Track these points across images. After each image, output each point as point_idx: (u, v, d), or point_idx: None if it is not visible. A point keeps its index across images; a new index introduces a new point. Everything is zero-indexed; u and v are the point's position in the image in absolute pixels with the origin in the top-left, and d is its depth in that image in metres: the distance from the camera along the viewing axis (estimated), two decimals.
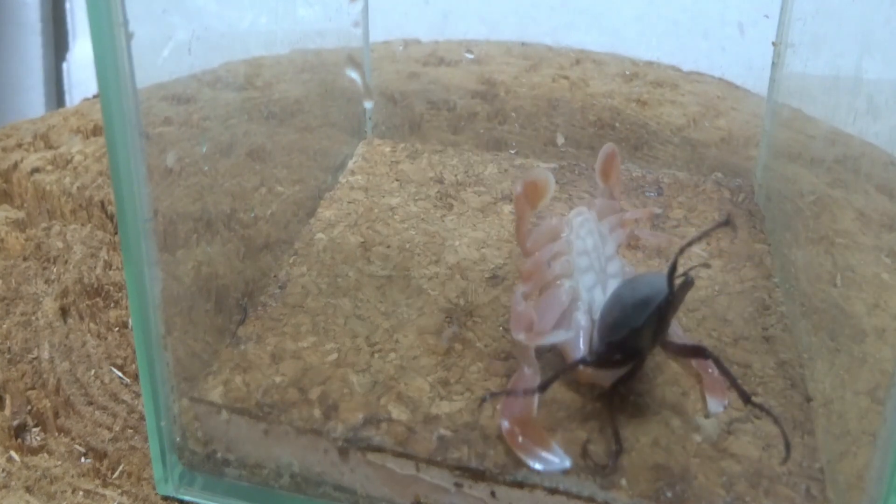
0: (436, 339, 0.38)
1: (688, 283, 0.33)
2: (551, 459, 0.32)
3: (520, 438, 0.32)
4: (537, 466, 0.32)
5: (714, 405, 0.35)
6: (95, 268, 0.50)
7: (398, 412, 0.34)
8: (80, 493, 0.36)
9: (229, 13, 0.40)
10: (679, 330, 0.39)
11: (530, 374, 0.34)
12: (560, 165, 0.55)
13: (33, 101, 1.11)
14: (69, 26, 1.12)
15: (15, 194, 0.57)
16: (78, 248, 0.51)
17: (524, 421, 0.33)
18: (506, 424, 0.32)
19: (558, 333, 0.35)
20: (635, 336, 0.33)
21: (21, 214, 0.55)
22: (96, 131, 0.65)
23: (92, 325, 0.45)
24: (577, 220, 0.41)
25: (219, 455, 0.35)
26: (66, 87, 1.13)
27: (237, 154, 0.42)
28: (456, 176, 0.53)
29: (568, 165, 0.55)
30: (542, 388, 0.33)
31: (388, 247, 0.45)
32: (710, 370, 0.36)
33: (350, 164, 0.55)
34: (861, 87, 0.39)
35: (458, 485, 0.33)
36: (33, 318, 0.45)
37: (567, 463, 0.32)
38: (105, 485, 0.36)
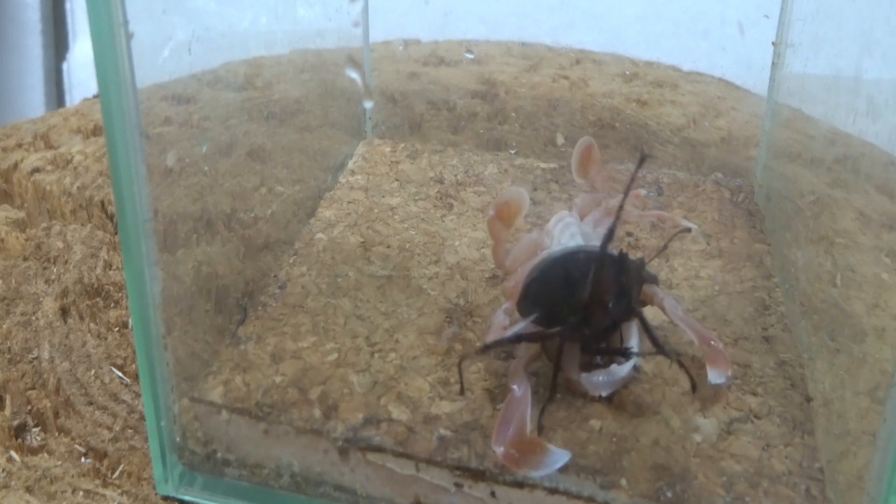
0: (436, 339, 0.38)
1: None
2: (551, 463, 0.32)
3: (517, 458, 0.32)
4: (539, 475, 0.32)
5: (714, 376, 0.35)
6: (95, 268, 0.49)
7: (398, 412, 0.34)
8: (80, 493, 0.36)
9: (229, 13, 0.40)
10: (679, 311, 0.37)
11: (521, 395, 0.33)
12: (560, 165, 0.55)
13: (33, 101, 1.11)
14: (69, 26, 1.12)
15: (15, 194, 0.57)
16: (78, 248, 0.51)
17: (518, 441, 0.32)
18: (501, 450, 0.32)
19: (517, 326, 0.35)
20: (533, 286, 0.35)
21: (21, 214, 0.55)
22: (96, 131, 0.65)
23: (92, 325, 0.45)
24: (557, 228, 0.41)
25: (219, 455, 0.35)
26: (66, 87, 1.13)
27: (237, 154, 0.42)
28: (456, 176, 0.53)
29: (568, 165, 0.55)
30: (484, 349, 0.35)
31: (388, 247, 0.45)
32: (712, 343, 0.36)
33: (350, 164, 0.55)
34: (861, 87, 0.39)
35: (458, 485, 0.33)
36: (33, 318, 0.45)
37: (566, 458, 0.31)
38: (105, 485, 0.36)
